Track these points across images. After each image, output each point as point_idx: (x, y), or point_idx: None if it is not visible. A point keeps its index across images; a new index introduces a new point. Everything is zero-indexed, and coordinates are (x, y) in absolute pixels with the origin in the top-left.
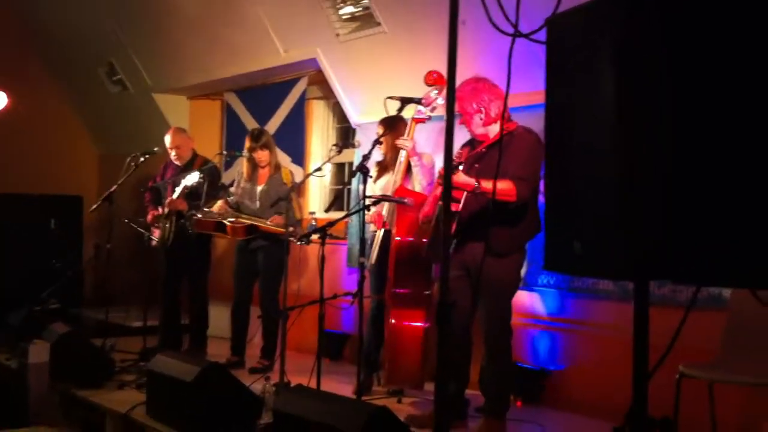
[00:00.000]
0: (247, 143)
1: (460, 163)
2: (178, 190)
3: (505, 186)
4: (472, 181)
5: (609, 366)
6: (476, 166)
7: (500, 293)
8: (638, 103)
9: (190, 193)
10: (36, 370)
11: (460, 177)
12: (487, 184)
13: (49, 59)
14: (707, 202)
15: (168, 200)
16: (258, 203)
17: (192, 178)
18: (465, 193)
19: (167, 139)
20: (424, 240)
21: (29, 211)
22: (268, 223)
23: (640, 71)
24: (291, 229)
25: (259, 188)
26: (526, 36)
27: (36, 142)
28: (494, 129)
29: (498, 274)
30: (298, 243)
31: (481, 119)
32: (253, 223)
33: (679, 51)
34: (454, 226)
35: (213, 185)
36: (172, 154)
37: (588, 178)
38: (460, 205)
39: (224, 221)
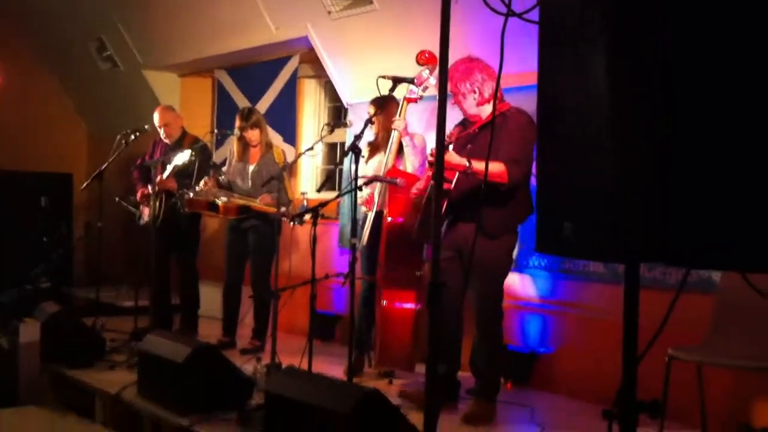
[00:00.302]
0: (238, 122)
1: (450, 143)
2: (169, 168)
3: (496, 168)
4: (463, 161)
5: (599, 349)
6: (469, 146)
7: (492, 275)
8: (631, 84)
9: (180, 172)
10: (26, 350)
11: (452, 157)
12: (478, 165)
13: (39, 35)
14: (699, 185)
15: (158, 179)
16: (250, 182)
17: (183, 157)
18: (457, 173)
19: (156, 117)
20: (415, 221)
21: (19, 189)
22: (258, 201)
23: (633, 51)
24: (283, 209)
25: (251, 167)
26: (519, 15)
27: (26, 119)
28: (487, 109)
29: (490, 255)
30: (291, 223)
31: (474, 99)
32: (245, 202)
33: (673, 32)
34: (444, 205)
35: (204, 164)
36: (161, 132)
37: (580, 160)
38: (452, 185)
39: (217, 200)
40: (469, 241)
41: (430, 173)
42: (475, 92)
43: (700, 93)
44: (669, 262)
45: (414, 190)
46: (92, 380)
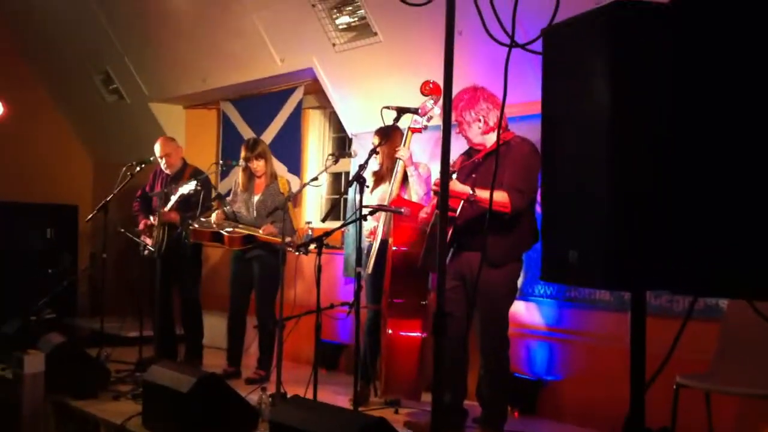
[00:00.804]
0: (243, 153)
1: (454, 172)
2: (173, 199)
3: (500, 197)
4: (466, 189)
5: (606, 376)
6: (473, 175)
7: (497, 304)
8: (632, 113)
9: (184, 203)
10: (31, 381)
11: (455, 185)
12: (482, 194)
13: (45, 68)
14: (704, 212)
15: (161, 211)
16: (255, 213)
17: (188, 187)
18: (461, 201)
19: (157, 148)
20: (420, 250)
21: (26, 220)
22: (261, 232)
23: (634, 81)
24: (288, 239)
25: (256, 198)
26: (523, 46)
27: (32, 151)
28: (491, 138)
29: (494, 284)
30: (297, 253)
31: (479, 128)
32: (249, 232)
33: (673, 62)
34: (449, 233)
35: (207, 196)
36: (162, 162)
37: (584, 188)
38: (457, 213)
39: (222, 231)
40: (474, 270)
41: (435, 202)
42: (479, 120)
43: (703, 118)
44: (675, 290)
45: (423, 214)
46: (97, 411)
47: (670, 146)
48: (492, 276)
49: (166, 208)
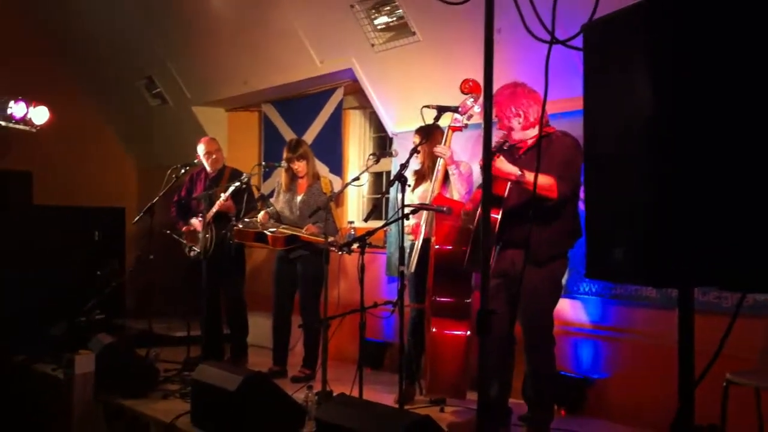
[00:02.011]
0: (285, 154)
1: (500, 148)
2: (223, 196)
3: (546, 180)
4: (515, 169)
5: (653, 374)
6: None
7: (541, 302)
8: (676, 108)
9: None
10: (82, 381)
11: (504, 165)
12: (530, 175)
13: (90, 74)
14: (752, 206)
15: (218, 202)
16: (298, 213)
17: (238, 183)
18: (508, 186)
19: (201, 148)
20: (464, 248)
21: (73, 223)
22: (304, 232)
23: (676, 77)
24: (331, 239)
25: (299, 198)
26: (563, 43)
27: (78, 156)
28: (531, 134)
29: (538, 282)
30: (340, 252)
31: (519, 123)
32: (293, 233)
33: (717, 57)
34: (496, 228)
35: (249, 197)
36: (210, 160)
37: (629, 184)
38: (505, 194)
39: (266, 231)
40: (517, 268)
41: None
42: (519, 116)
43: (750, 112)
44: (724, 286)
45: (468, 203)
46: (146, 410)
47: (716, 141)
48: (536, 274)
49: (212, 211)
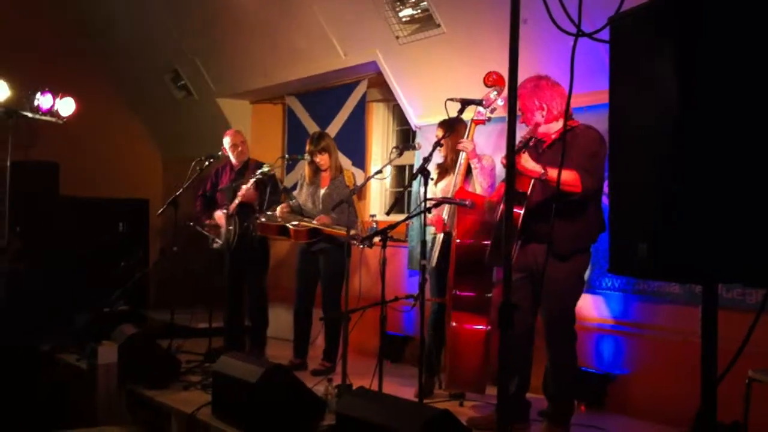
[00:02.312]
0: (308, 147)
1: (525, 144)
2: (245, 188)
3: (569, 176)
4: (538, 167)
5: (675, 371)
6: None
7: (563, 297)
8: (704, 102)
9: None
10: (105, 371)
11: (527, 163)
12: (553, 173)
13: (116, 67)
14: None
15: (240, 192)
16: (321, 206)
17: (260, 173)
18: (531, 180)
19: (227, 140)
20: (485, 242)
21: (98, 215)
22: (314, 222)
23: (704, 70)
24: (353, 231)
25: (322, 191)
26: (589, 35)
27: (104, 148)
28: (555, 127)
29: (561, 277)
30: (361, 246)
31: (542, 116)
32: (316, 226)
33: (747, 52)
34: (519, 223)
35: (273, 190)
36: (235, 152)
37: (654, 179)
38: (528, 190)
39: (288, 225)
40: (540, 262)
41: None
42: (543, 108)
43: None
44: (748, 282)
45: (492, 195)
46: (168, 400)
47: (742, 137)
48: (558, 269)
49: (234, 203)
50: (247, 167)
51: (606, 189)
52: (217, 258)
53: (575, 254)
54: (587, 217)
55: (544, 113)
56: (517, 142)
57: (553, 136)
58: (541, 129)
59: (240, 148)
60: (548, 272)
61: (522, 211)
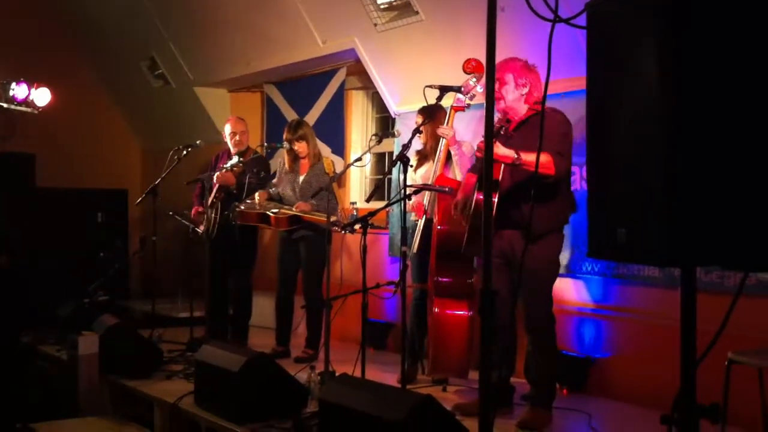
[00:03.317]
0: (285, 135)
1: (496, 133)
2: (218, 173)
3: (544, 159)
4: (511, 152)
5: (655, 353)
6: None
7: (539, 280)
8: (682, 88)
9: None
10: (86, 362)
11: (499, 149)
12: (527, 156)
13: (92, 54)
14: (755, 187)
15: (217, 175)
16: (300, 193)
17: (231, 163)
18: (501, 168)
19: (227, 128)
20: (465, 229)
21: (77, 205)
22: (294, 209)
23: (683, 56)
24: (334, 218)
25: (301, 178)
26: (566, 21)
27: (81, 137)
28: (521, 110)
29: (536, 260)
30: (342, 232)
31: (522, 95)
32: (296, 213)
33: (726, 36)
34: (494, 210)
35: (258, 177)
36: (233, 140)
37: (632, 163)
38: (500, 177)
39: (268, 212)
40: (515, 248)
41: (472, 181)
42: (525, 86)
43: (753, 95)
44: (726, 265)
45: (453, 203)
46: (150, 390)
47: (721, 123)
48: (533, 252)
49: (212, 192)
50: (245, 157)
51: (585, 174)
52: (198, 248)
53: (548, 235)
54: (558, 199)
55: (525, 92)
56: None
57: (520, 118)
58: (515, 105)
59: (238, 137)
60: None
61: (496, 199)
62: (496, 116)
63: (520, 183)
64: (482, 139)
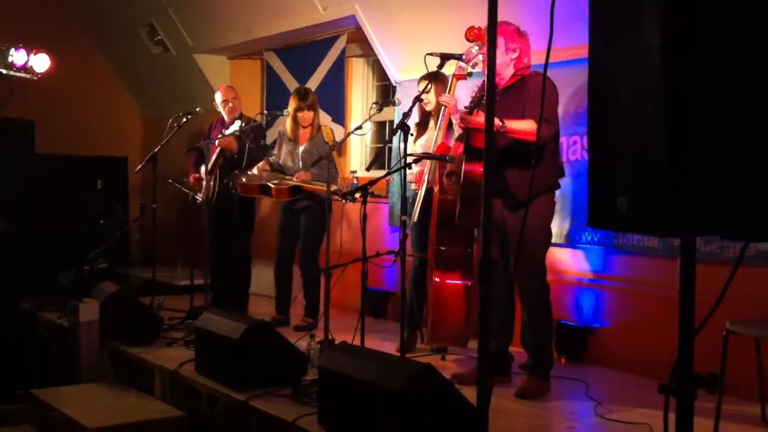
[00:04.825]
0: (294, 103)
1: (479, 102)
2: (228, 132)
3: (528, 125)
4: (495, 121)
5: (654, 323)
6: None
7: (530, 246)
8: (684, 55)
9: (232, 156)
10: (87, 329)
11: (483, 118)
12: (511, 124)
13: (91, 21)
14: (756, 156)
15: (219, 140)
16: (300, 163)
17: (233, 127)
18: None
19: (218, 96)
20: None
21: (76, 173)
22: (295, 179)
23: (686, 22)
24: (334, 187)
25: (301, 148)
26: None
27: (81, 104)
28: (507, 75)
29: (527, 225)
30: (343, 201)
31: (512, 59)
32: (296, 183)
33: (728, 6)
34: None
35: (257, 144)
36: (226, 108)
37: (633, 133)
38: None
39: (269, 184)
40: (502, 215)
41: (459, 150)
42: (516, 51)
43: (754, 62)
44: (726, 235)
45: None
46: (151, 357)
47: (723, 92)
48: (520, 218)
49: (212, 159)
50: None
51: (586, 144)
52: (198, 215)
53: (535, 201)
54: (544, 163)
55: (513, 57)
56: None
57: (506, 83)
58: (503, 69)
59: (231, 104)
60: (512, 225)
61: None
62: (481, 83)
63: (502, 150)
64: (464, 108)
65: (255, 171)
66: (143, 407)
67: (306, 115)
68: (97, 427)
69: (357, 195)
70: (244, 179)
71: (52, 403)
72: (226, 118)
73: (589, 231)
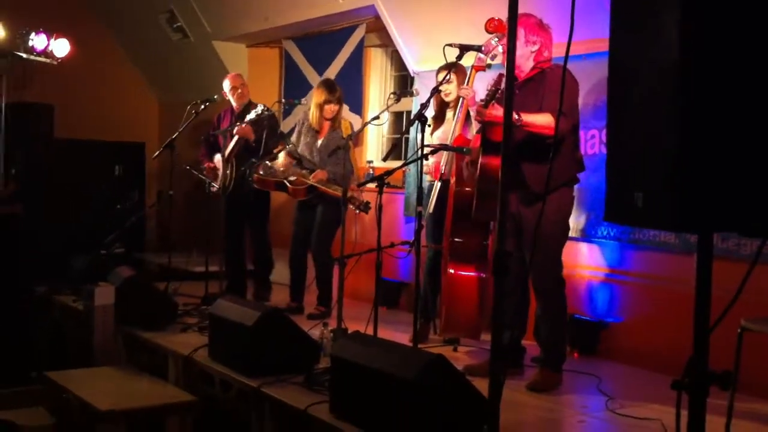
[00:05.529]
0: (324, 95)
1: (494, 95)
2: (239, 125)
3: (545, 119)
4: (512, 114)
5: (669, 319)
6: None
7: (547, 240)
8: (704, 50)
9: (248, 145)
10: (102, 313)
11: (499, 111)
12: (528, 118)
13: (111, 6)
14: None
15: (236, 128)
16: (318, 157)
17: (255, 112)
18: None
19: (227, 84)
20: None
21: (94, 158)
22: (311, 179)
23: (705, 17)
24: (350, 193)
25: (320, 142)
26: None
27: (99, 90)
28: (528, 65)
29: (544, 219)
30: (357, 212)
31: (532, 52)
32: (309, 183)
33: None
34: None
35: (272, 133)
36: (235, 95)
37: (652, 128)
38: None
39: (285, 182)
40: (521, 209)
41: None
42: (536, 44)
43: None
44: (743, 232)
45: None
46: (165, 342)
47: (742, 89)
48: (537, 212)
49: (230, 146)
50: (248, 110)
51: (605, 138)
52: (214, 202)
53: (553, 194)
54: (562, 156)
55: (535, 50)
56: (485, 92)
57: (525, 76)
58: (522, 61)
59: (240, 91)
60: (527, 218)
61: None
62: (497, 76)
63: (519, 143)
64: (480, 102)
65: (278, 164)
66: (156, 391)
67: (333, 108)
68: (109, 410)
69: (371, 185)
70: (261, 172)
71: (66, 385)
72: (234, 104)
73: (605, 225)
